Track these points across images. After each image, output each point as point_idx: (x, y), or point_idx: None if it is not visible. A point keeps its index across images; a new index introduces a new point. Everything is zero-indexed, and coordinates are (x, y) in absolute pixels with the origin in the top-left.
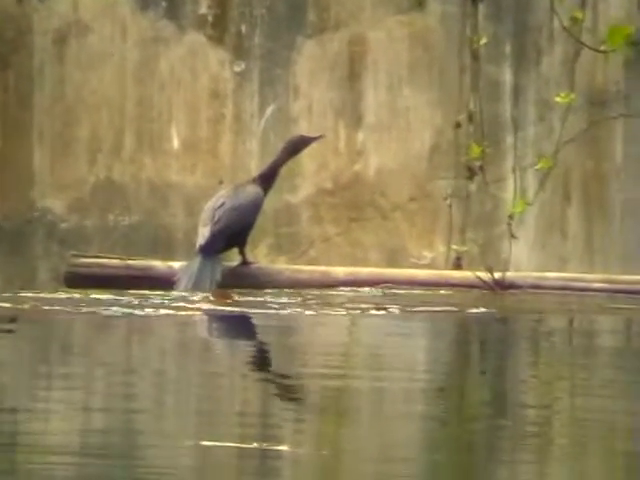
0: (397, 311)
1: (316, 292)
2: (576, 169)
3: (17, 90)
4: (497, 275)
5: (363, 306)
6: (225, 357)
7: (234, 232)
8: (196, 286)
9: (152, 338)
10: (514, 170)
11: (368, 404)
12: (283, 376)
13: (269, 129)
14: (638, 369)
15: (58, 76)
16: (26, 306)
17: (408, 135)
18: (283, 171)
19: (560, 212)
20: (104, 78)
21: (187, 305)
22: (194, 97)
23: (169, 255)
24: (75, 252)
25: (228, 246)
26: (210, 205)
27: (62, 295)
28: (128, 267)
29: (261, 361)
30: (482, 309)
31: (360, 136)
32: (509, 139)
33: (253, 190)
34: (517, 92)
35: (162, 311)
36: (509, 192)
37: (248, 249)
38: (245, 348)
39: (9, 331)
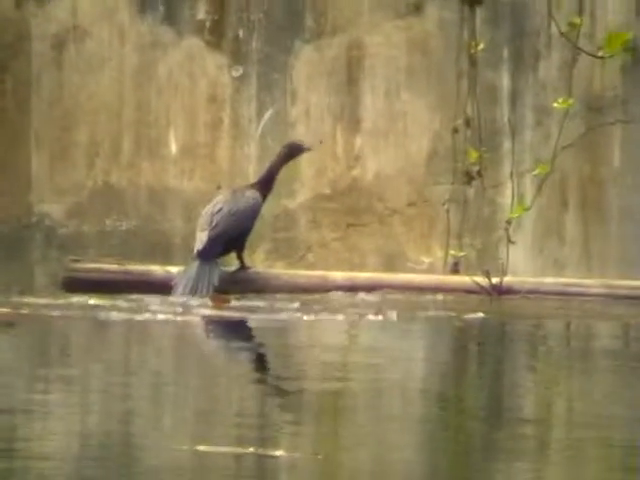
0: (395, 316)
1: (314, 297)
2: (574, 174)
3: (15, 95)
4: (495, 280)
5: (361, 311)
6: (223, 362)
7: (232, 237)
8: (193, 291)
9: (150, 343)
10: (512, 175)
11: (365, 408)
12: (281, 380)
13: (267, 134)
14: (636, 374)
15: (56, 81)
16: (24, 311)
17: (406, 140)
18: (281, 176)
19: (558, 217)
20: (102, 83)
21: (185, 310)
22: (192, 102)
23: (167, 260)
24: (73, 257)
25: (226, 251)
26: (208, 210)
27: (60, 300)
28: (126, 272)
29: (259, 366)
30: (480, 314)
31: (358, 141)
32: (507, 144)
33: (251, 195)
34: (515, 97)
35: (160, 316)
36: (507, 197)
37: (246, 254)
38: (243, 353)
39: (7, 336)
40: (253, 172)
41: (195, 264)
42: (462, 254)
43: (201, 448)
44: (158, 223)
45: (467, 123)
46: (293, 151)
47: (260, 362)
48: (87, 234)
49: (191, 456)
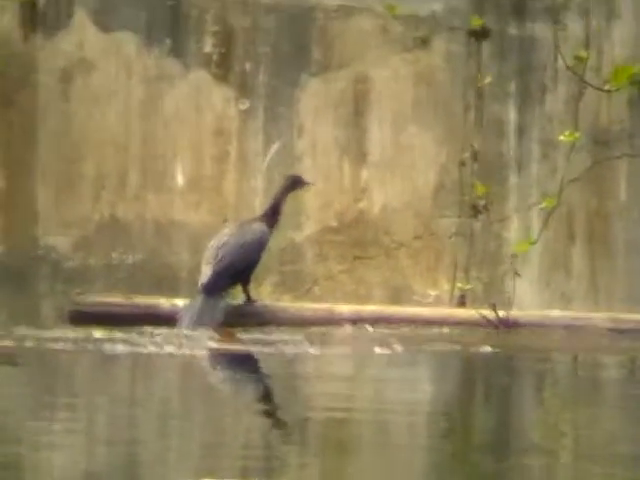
0: (401, 349)
1: (320, 330)
2: (580, 208)
3: (22, 128)
4: (501, 313)
5: (367, 344)
6: (229, 394)
7: (238, 270)
8: (198, 324)
9: (156, 376)
10: (518, 209)
11: (370, 440)
12: (286, 412)
13: (273, 167)
14: None
15: (63, 114)
16: (30, 344)
17: (412, 173)
18: (287, 209)
19: (564, 251)
20: (109, 116)
21: (191, 343)
22: (199, 135)
23: (173, 293)
24: (79, 290)
25: (231, 284)
26: (213, 243)
27: (66, 333)
28: (132, 305)
29: (265, 398)
30: (486, 347)
31: (364, 174)
32: (513, 178)
33: (258, 228)
34: (521, 131)
35: (166, 349)
36: (513, 231)
37: (252, 287)
38: (249, 386)
39: (13, 369)
40: (259, 205)
41: (200, 298)
42: (468, 287)
43: None
44: (164, 256)
45: (474, 156)
46: (295, 184)
47: (266, 395)
48: (93, 267)
49: None
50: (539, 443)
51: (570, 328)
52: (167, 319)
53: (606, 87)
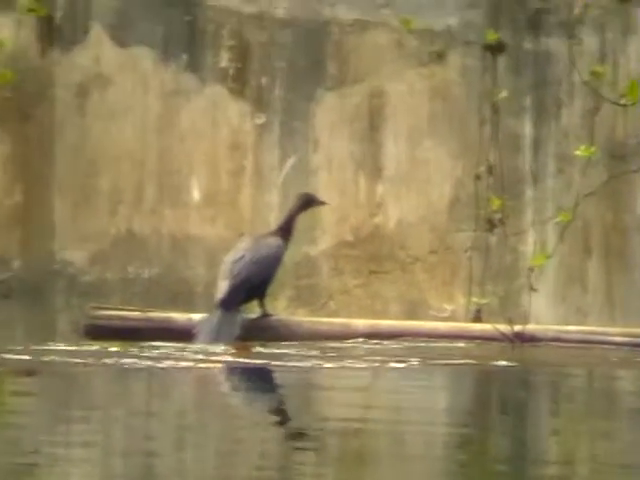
0: (417, 364)
1: (336, 344)
2: (596, 222)
3: (39, 142)
4: (517, 328)
5: (383, 359)
6: (245, 409)
7: (254, 285)
8: (216, 340)
9: (172, 389)
10: (534, 223)
11: (387, 453)
12: (301, 426)
13: (289, 181)
14: None
15: (80, 128)
16: (46, 358)
17: (428, 187)
18: (303, 223)
19: (580, 265)
20: (125, 130)
21: (207, 357)
22: (215, 149)
23: (189, 307)
24: (95, 304)
25: (248, 299)
26: (229, 258)
27: (82, 347)
28: (148, 319)
29: (281, 413)
30: (502, 362)
31: (380, 188)
32: (529, 192)
33: (274, 242)
34: (537, 145)
35: (182, 363)
36: (529, 245)
37: (268, 301)
38: (265, 400)
39: (29, 382)
40: (275, 220)
41: (217, 313)
42: (484, 302)
43: None
44: (180, 271)
45: (489, 170)
46: (308, 203)
47: (282, 409)
48: (109, 281)
49: None
50: (556, 455)
51: (586, 343)
52: (183, 333)
53: (622, 101)
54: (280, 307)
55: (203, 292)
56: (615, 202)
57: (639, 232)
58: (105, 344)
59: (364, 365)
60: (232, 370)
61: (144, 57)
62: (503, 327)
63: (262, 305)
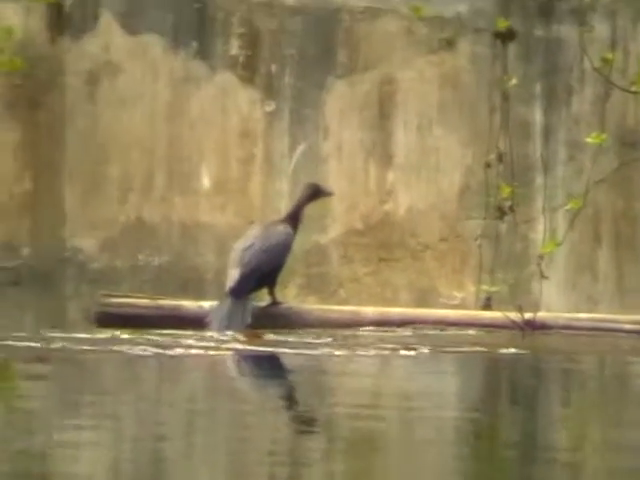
0: (427, 351)
1: (346, 332)
2: (607, 209)
3: (49, 130)
4: (527, 315)
5: (393, 346)
6: (255, 395)
7: (264, 273)
8: (227, 327)
9: (183, 378)
10: (544, 210)
11: (397, 443)
12: (312, 414)
13: (299, 169)
14: None
15: (89, 116)
16: (57, 346)
17: (438, 175)
18: (312, 211)
19: (590, 252)
20: (135, 118)
21: (217, 345)
22: (224, 137)
23: (199, 295)
24: (106, 292)
25: (258, 287)
26: (239, 246)
27: (92, 335)
28: (158, 307)
29: (291, 400)
30: (512, 350)
31: (390, 176)
32: (539, 179)
33: (284, 230)
34: (547, 132)
35: (193, 351)
36: (539, 232)
37: (278, 289)
38: (275, 388)
39: (40, 370)
40: (285, 207)
41: (228, 301)
42: (494, 289)
43: None
44: (190, 258)
45: (499, 158)
46: (315, 194)
47: (292, 397)
48: (119, 269)
49: None
50: (566, 441)
51: (597, 330)
52: (193, 321)
53: (633, 88)
54: (290, 295)
55: (213, 279)
56: (626, 189)
57: None
58: (115, 332)
59: (374, 353)
60: (242, 357)
61: (154, 44)
62: (513, 315)
63: (272, 293)
